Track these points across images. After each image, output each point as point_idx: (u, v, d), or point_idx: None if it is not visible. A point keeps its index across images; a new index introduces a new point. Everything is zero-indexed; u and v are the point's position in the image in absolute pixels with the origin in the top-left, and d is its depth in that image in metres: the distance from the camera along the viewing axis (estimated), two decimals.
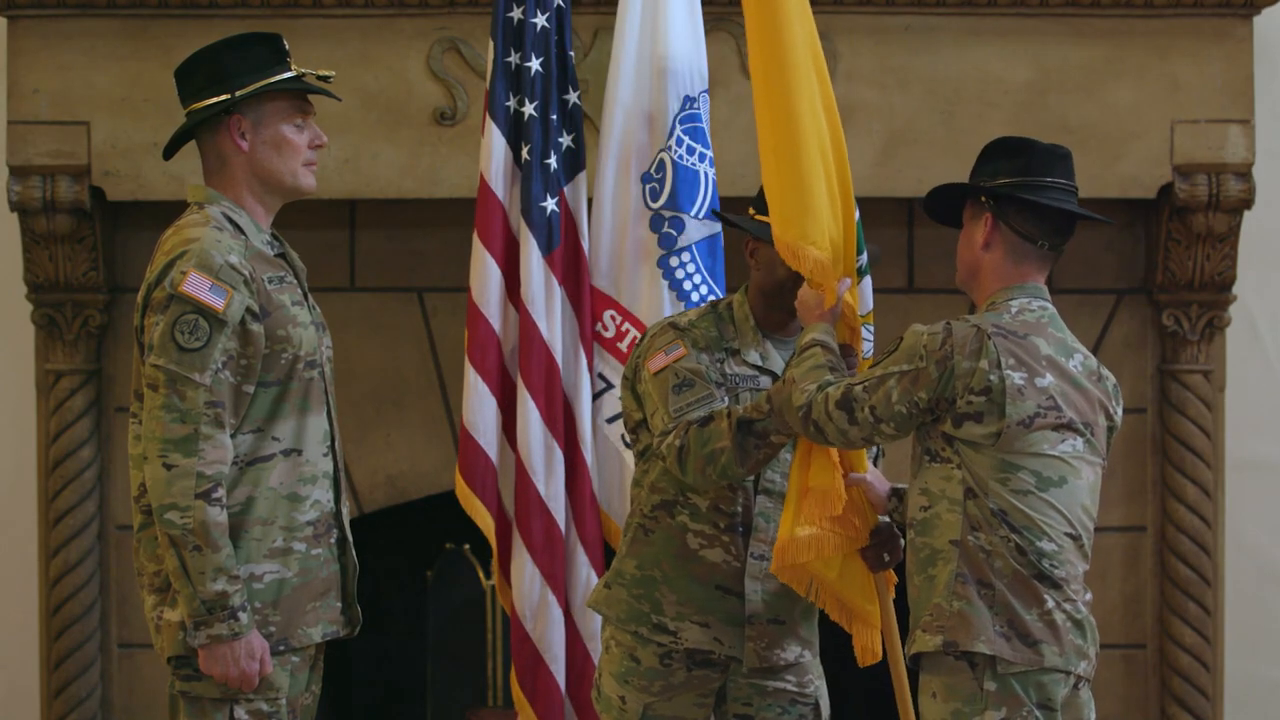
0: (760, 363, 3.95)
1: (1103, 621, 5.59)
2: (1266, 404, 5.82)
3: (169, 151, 3.77)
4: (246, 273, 3.51)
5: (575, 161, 4.91)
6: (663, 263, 4.81)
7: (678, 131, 4.83)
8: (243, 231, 3.58)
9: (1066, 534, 3.55)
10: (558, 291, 4.83)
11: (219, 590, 3.44)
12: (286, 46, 3.71)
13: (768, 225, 3.90)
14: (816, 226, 3.77)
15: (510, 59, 4.88)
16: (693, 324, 3.97)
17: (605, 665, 4.02)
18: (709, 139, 4.87)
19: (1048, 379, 3.56)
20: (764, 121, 3.83)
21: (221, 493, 3.45)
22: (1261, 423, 5.81)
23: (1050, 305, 3.70)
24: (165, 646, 3.56)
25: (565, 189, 4.88)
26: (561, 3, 4.93)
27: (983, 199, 3.64)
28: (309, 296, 3.70)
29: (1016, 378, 3.52)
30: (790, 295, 3.90)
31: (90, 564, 5.50)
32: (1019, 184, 3.62)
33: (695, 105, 4.86)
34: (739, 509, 3.92)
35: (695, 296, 4.80)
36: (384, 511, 5.61)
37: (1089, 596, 3.62)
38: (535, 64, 4.88)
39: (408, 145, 5.36)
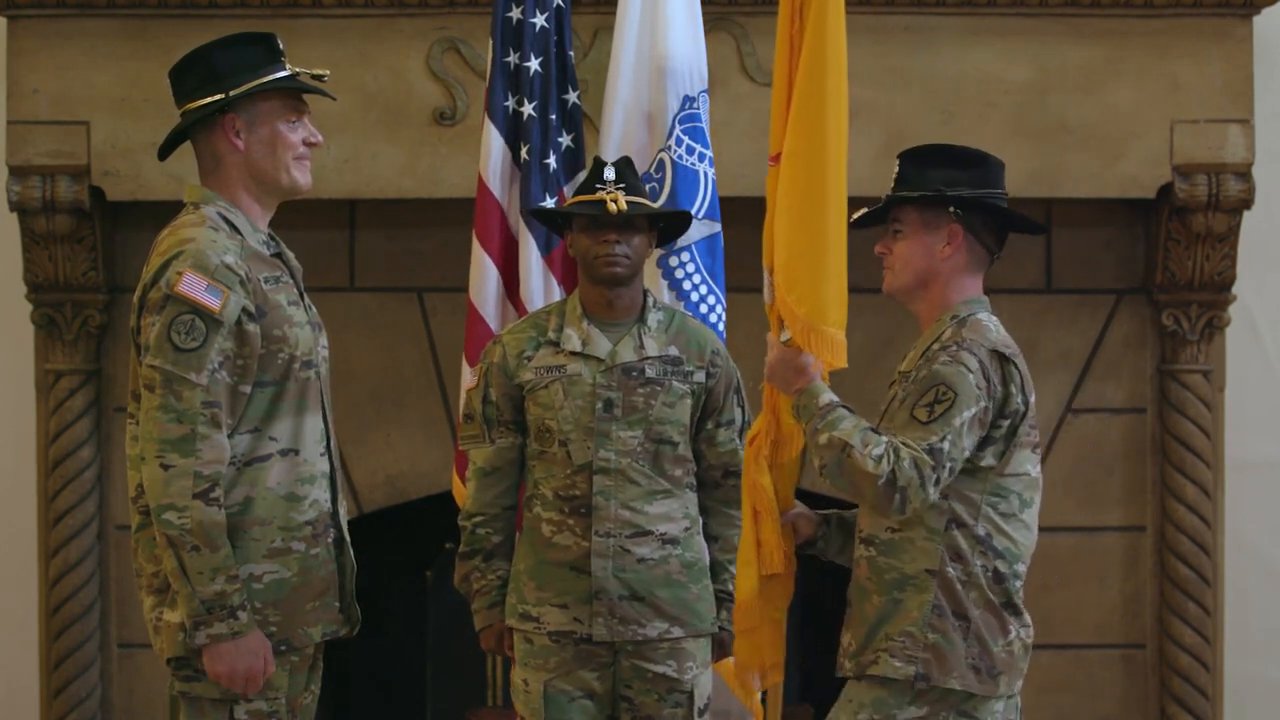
0: (580, 348, 4.14)
1: (1103, 621, 5.62)
2: (1266, 404, 5.82)
3: (164, 152, 3.77)
4: (243, 273, 3.50)
5: (575, 161, 4.92)
6: (662, 262, 4.81)
7: (677, 131, 4.83)
8: (238, 231, 3.57)
9: (1030, 554, 3.56)
10: (557, 291, 4.83)
11: (218, 590, 3.44)
12: (281, 45, 3.70)
13: (580, 206, 4.11)
14: (839, 308, 3.63)
15: (509, 59, 4.88)
16: (514, 329, 4.26)
17: (515, 656, 4.18)
18: (708, 139, 4.87)
19: (1032, 398, 3.56)
20: (794, 184, 3.63)
21: (219, 492, 3.45)
22: (1261, 423, 5.81)
23: None
24: (165, 647, 3.55)
25: (564, 189, 4.88)
26: (561, 2, 4.93)
27: (951, 209, 3.57)
28: (305, 296, 3.69)
29: (1031, 400, 3.53)
30: (594, 267, 4.11)
31: (90, 564, 5.50)
32: (986, 195, 3.58)
33: (695, 105, 4.86)
34: (578, 492, 4.09)
35: (695, 296, 4.80)
36: (384, 511, 5.61)
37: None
38: (534, 64, 4.88)
39: (407, 145, 5.35)
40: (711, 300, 4.82)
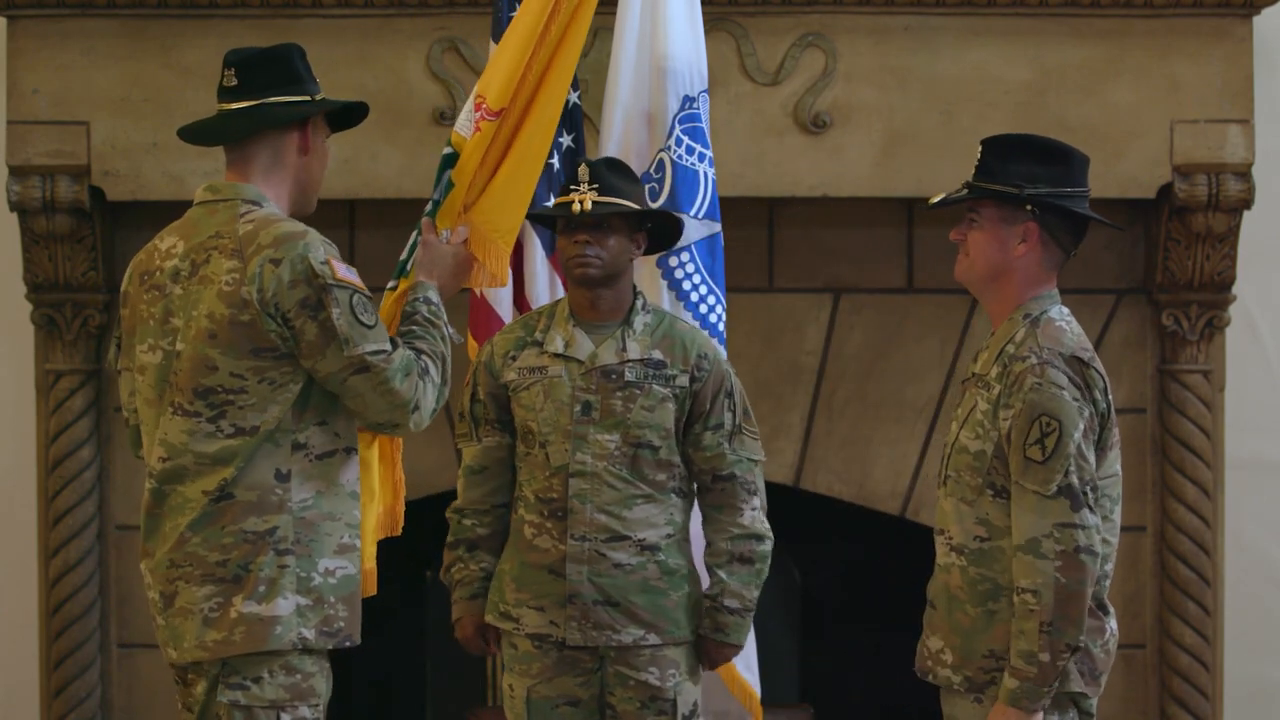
0: (562, 350, 4.15)
1: None
2: (1266, 404, 5.82)
3: (235, 139, 3.73)
4: None
5: (575, 161, 4.91)
6: (662, 263, 4.80)
7: (677, 131, 4.82)
8: None
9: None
10: (561, 292, 4.83)
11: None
12: None
13: (555, 209, 4.19)
14: (511, 222, 3.82)
15: None
16: (506, 329, 4.30)
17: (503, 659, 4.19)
18: (709, 139, 4.86)
19: (1111, 397, 3.53)
20: (530, 142, 3.91)
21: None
22: (1261, 423, 5.81)
23: None
24: (239, 641, 3.39)
25: None
26: None
27: (1029, 207, 3.53)
28: None
29: (1111, 400, 3.50)
30: (568, 269, 4.15)
31: (90, 564, 5.50)
32: (1066, 195, 3.53)
33: (695, 105, 4.85)
34: (555, 495, 4.09)
35: (694, 297, 4.80)
36: None
37: None
38: None
39: (407, 145, 5.35)
40: (711, 300, 4.82)
